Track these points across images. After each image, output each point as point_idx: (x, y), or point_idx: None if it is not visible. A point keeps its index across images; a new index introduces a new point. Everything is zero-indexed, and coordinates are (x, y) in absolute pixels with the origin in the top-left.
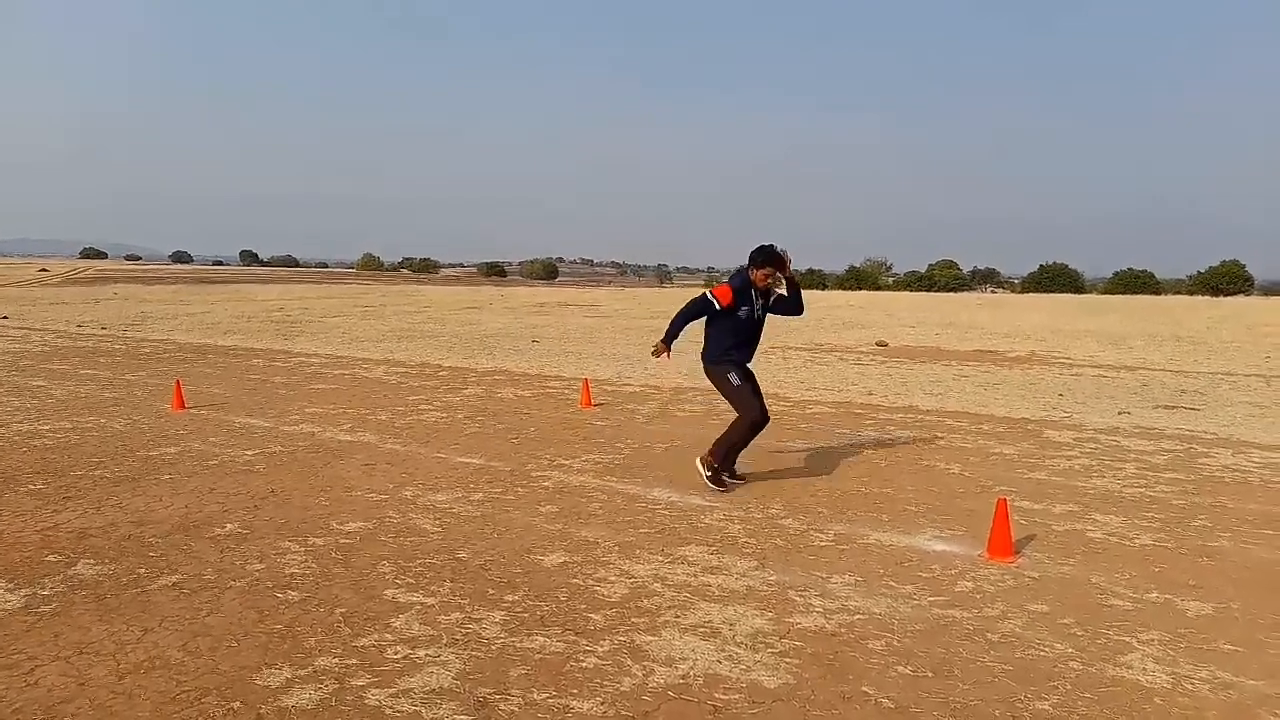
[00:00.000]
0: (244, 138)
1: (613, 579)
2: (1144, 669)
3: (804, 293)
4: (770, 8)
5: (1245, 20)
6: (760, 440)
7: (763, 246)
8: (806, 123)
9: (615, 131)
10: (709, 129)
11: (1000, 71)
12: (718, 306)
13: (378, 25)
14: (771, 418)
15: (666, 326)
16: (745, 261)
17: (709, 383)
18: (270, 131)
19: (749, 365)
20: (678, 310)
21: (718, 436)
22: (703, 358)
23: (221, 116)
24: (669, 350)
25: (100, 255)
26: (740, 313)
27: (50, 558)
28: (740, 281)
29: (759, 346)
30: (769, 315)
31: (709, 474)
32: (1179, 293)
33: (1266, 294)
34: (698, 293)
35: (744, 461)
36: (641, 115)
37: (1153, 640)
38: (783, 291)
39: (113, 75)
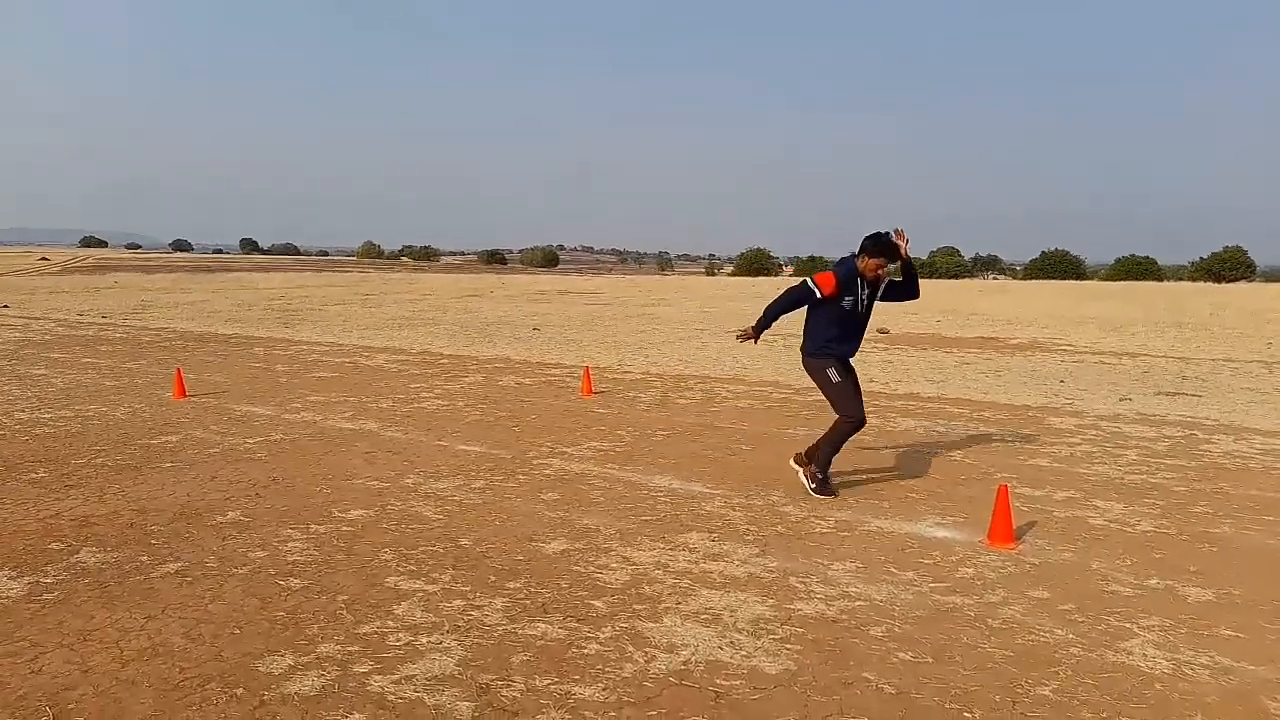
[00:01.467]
0: (244, 124)
1: (614, 566)
2: (1145, 655)
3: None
4: (767, 5)
5: (1246, 16)
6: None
7: (877, 235)
8: (806, 122)
9: (615, 131)
10: (708, 128)
11: (1001, 68)
12: (819, 295)
13: (377, 21)
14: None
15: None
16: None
17: (808, 379)
18: (271, 121)
19: (851, 360)
20: (774, 297)
21: (815, 442)
22: (802, 350)
23: (221, 105)
24: (757, 338)
25: (101, 244)
26: (844, 303)
27: (53, 545)
28: (846, 270)
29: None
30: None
31: (814, 485)
32: (1181, 279)
33: (1268, 280)
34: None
35: (744, 446)
36: (641, 115)
37: (1153, 626)
38: (896, 278)
39: (112, 63)
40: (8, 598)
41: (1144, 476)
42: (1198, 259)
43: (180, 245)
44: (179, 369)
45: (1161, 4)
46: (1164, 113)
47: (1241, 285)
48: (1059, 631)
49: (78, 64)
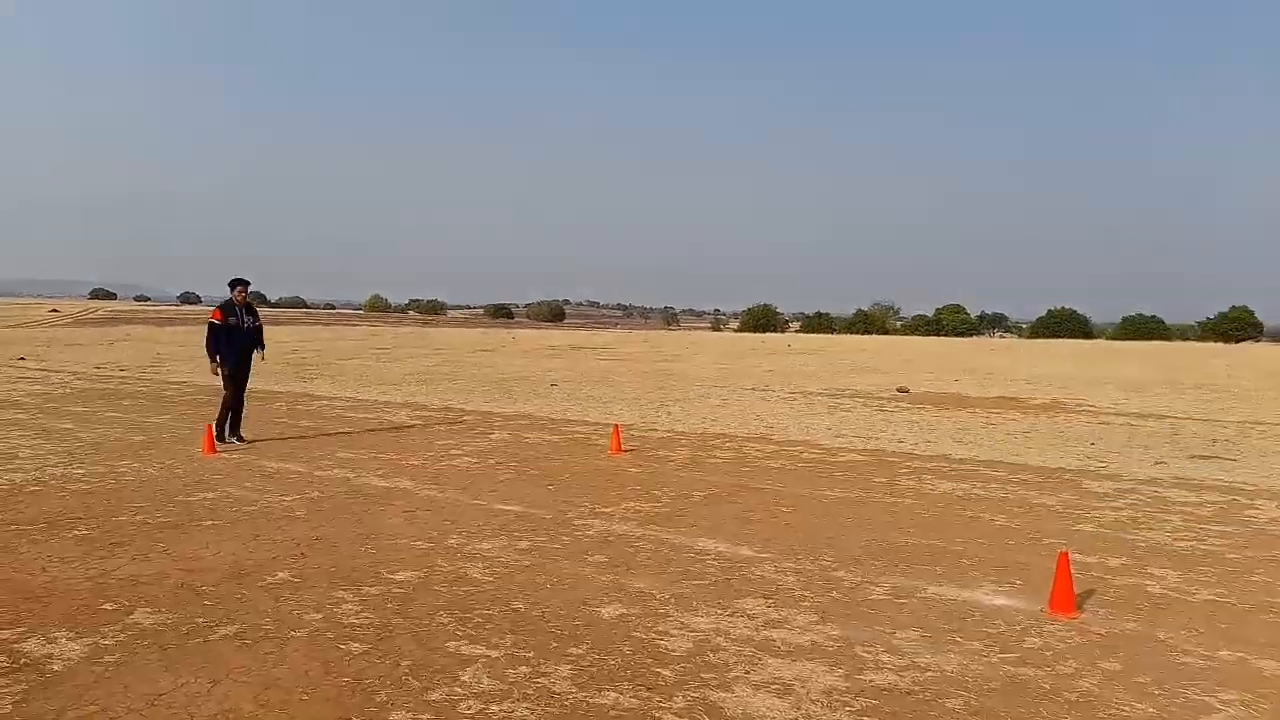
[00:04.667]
0: (246, 177)
1: (674, 632)
2: None
3: (809, 337)
4: (762, 7)
5: (1251, 47)
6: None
7: None
8: (794, 138)
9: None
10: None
11: (987, 125)
12: None
13: (371, 47)
14: None
15: None
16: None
17: None
18: (271, 167)
19: None
20: None
21: None
22: None
23: (223, 155)
24: None
25: (109, 296)
26: None
27: (106, 606)
28: None
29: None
30: None
31: None
32: (1188, 339)
33: (1277, 340)
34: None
35: (784, 509)
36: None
37: (1233, 700)
38: None
39: (114, 82)
40: (70, 659)
41: (1193, 543)
42: (1206, 319)
43: (188, 298)
44: (209, 425)
45: (1172, 45)
46: (1164, 148)
47: (1250, 345)
48: (1139, 705)
49: (82, 103)
